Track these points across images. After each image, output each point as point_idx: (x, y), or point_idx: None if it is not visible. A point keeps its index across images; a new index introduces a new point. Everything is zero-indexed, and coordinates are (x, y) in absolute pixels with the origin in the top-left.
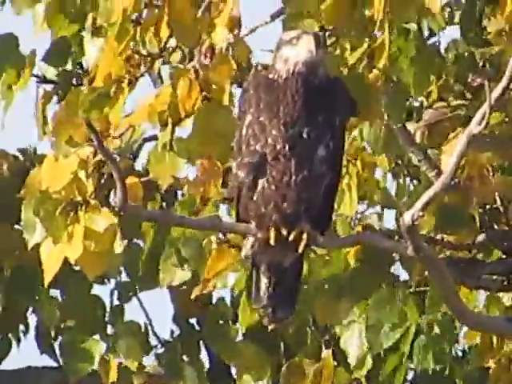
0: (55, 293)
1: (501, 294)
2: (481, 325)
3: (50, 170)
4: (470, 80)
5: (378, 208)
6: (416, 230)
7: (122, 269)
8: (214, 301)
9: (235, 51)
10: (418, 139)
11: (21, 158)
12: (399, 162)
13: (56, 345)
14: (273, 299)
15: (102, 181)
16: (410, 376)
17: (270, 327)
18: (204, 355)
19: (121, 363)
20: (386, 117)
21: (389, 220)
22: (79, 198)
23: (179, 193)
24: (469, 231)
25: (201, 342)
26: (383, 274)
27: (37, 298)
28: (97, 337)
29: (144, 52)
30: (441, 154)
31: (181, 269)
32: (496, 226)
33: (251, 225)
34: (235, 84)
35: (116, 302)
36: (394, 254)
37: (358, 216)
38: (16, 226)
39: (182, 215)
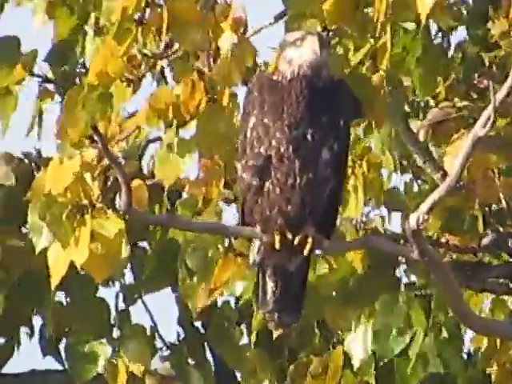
0: (61, 296)
1: (506, 298)
2: (486, 328)
3: (54, 172)
4: (476, 82)
5: (383, 209)
6: (421, 233)
7: (126, 271)
8: (219, 304)
9: (241, 52)
10: (421, 138)
11: (26, 161)
12: (404, 162)
13: (61, 348)
14: (279, 304)
15: (109, 183)
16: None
17: (275, 332)
18: (208, 358)
19: (128, 367)
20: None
21: (394, 222)
22: (85, 202)
23: (184, 194)
24: (473, 234)
25: (205, 344)
26: (389, 278)
27: (43, 301)
28: (102, 340)
29: (148, 52)
30: (444, 154)
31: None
32: (502, 229)
33: (256, 229)
34: (241, 84)
35: (121, 305)
36: (399, 258)
37: (364, 218)
38: (23, 229)
39: (189, 219)
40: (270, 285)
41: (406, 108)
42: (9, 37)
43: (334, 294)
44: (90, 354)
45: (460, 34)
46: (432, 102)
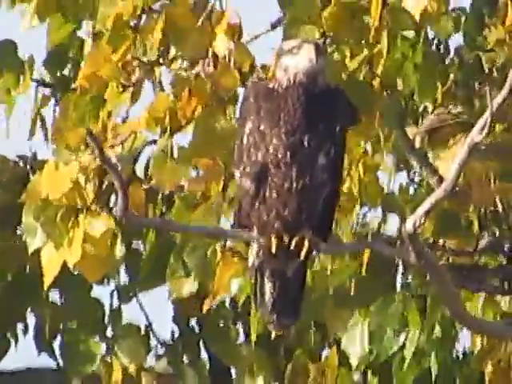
0: (55, 295)
1: (498, 299)
2: (482, 329)
3: (50, 177)
4: (477, 88)
5: (379, 211)
6: (418, 236)
7: (121, 270)
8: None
9: (237, 58)
10: (417, 144)
11: (21, 163)
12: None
13: (55, 346)
14: (277, 305)
15: (104, 186)
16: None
17: (273, 333)
18: (203, 356)
19: (123, 365)
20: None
21: (390, 223)
22: (80, 204)
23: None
24: (469, 237)
25: (200, 342)
26: (386, 280)
27: (37, 299)
28: (97, 338)
29: (144, 59)
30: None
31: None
32: (497, 232)
33: (253, 232)
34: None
35: (116, 303)
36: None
37: (360, 221)
38: (17, 231)
39: (185, 224)
40: (268, 287)
41: (403, 113)
42: (5, 41)
43: (331, 295)
44: (85, 352)
45: (457, 38)
46: (430, 108)
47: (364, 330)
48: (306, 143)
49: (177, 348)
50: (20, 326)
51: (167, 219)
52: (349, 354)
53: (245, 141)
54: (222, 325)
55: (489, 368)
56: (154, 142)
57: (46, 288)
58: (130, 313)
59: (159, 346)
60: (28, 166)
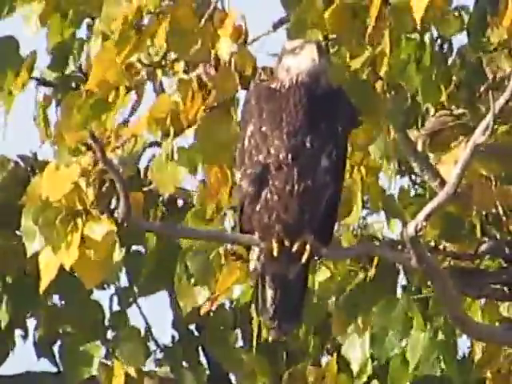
0: (55, 299)
1: (499, 303)
2: (482, 334)
3: (50, 179)
4: (482, 90)
5: (381, 214)
6: (419, 240)
7: (121, 274)
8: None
9: (240, 61)
10: (419, 148)
11: (21, 164)
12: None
13: (55, 350)
14: (279, 311)
15: (104, 189)
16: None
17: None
18: (202, 361)
19: (124, 369)
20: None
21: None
22: (80, 208)
23: (179, 201)
24: (470, 240)
25: (199, 347)
26: (389, 282)
27: (37, 303)
28: (96, 342)
29: (145, 61)
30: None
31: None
32: (499, 235)
33: (254, 236)
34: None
35: (116, 308)
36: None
37: (361, 224)
38: (17, 233)
39: (184, 226)
40: (270, 292)
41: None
42: (7, 38)
43: (333, 299)
44: (84, 355)
45: (460, 39)
46: (432, 110)
47: (365, 334)
48: (308, 144)
49: (176, 353)
50: (20, 331)
51: (168, 223)
52: (349, 359)
53: (246, 143)
54: (222, 328)
55: (489, 375)
56: (155, 144)
57: (41, 291)
58: (130, 317)
59: (158, 350)
60: (29, 167)
